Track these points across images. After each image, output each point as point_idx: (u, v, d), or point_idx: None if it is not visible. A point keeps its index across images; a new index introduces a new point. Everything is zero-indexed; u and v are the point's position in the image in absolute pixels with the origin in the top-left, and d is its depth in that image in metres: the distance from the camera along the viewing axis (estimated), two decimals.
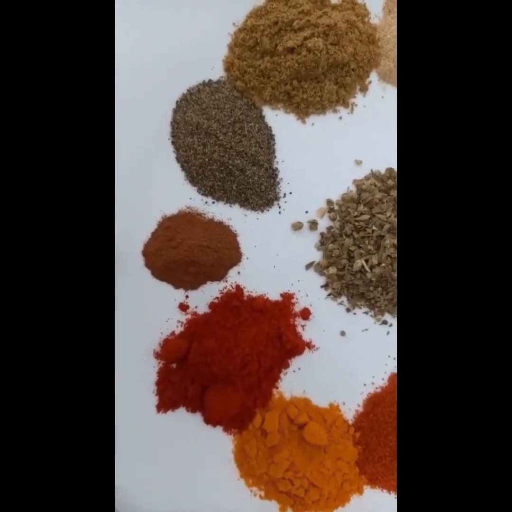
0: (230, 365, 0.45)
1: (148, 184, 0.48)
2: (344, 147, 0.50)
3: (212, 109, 0.47)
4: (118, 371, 0.44)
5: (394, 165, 0.50)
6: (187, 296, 0.47)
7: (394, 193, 0.49)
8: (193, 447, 0.46)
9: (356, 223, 0.49)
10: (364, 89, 0.51)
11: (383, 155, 0.50)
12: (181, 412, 0.46)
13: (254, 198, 0.48)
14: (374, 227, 0.48)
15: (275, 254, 0.49)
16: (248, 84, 0.48)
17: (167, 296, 0.48)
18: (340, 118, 0.51)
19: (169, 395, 0.46)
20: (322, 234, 0.50)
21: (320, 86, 0.49)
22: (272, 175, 0.49)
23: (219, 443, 0.46)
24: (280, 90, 0.48)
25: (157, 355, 0.46)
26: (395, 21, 0.51)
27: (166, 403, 0.46)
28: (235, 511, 0.46)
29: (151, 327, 0.47)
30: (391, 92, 0.51)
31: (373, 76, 0.51)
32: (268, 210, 0.49)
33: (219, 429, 0.46)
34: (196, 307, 0.47)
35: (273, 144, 0.49)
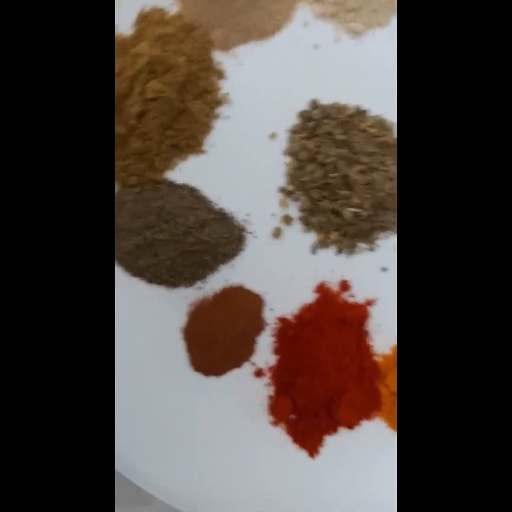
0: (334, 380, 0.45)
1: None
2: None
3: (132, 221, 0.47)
4: None
5: None
6: (253, 363, 0.47)
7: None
8: None
9: (315, 184, 0.47)
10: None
11: None
12: None
13: (226, 247, 0.47)
14: (331, 174, 0.47)
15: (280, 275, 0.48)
16: (142, 175, 0.47)
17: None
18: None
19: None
20: (301, 219, 0.49)
21: (189, 113, 0.47)
22: (224, 217, 0.47)
23: None
24: (166, 152, 0.47)
25: (274, 423, 0.46)
26: None
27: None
28: None
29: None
30: None
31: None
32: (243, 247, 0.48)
33: None
34: (266, 363, 0.47)
35: (200, 194, 0.48)
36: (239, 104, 0.49)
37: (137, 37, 0.48)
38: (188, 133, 0.47)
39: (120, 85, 0.45)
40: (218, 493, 0.46)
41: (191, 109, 0.47)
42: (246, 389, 0.47)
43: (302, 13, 0.49)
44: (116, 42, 0.49)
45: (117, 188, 0.48)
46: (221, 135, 0.49)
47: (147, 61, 0.44)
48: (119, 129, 0.46)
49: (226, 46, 0.50)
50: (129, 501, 0.49)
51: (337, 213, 0.47)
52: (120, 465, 0.45)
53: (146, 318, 0.47)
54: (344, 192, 0.46)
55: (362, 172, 0.46)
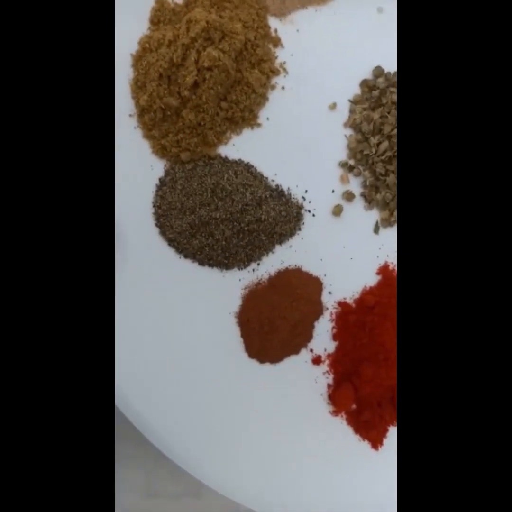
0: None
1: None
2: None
3: (188, 196, 0.44)
4: None
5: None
6: (311, 350, 0.45)
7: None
8: None
9: (381, 157, 0.44)
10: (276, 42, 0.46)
11: None
12: None
13: (283, 226, 0.44)
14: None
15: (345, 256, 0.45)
16: (195, 150, 0.45)
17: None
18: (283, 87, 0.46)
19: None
20: (363, 195, 0.45)
21: (246, 83, 0.44)
22: (281, 195, 0.45)
23: None
24: (220, 125, 0.45)
25: (334, 412, 0.44)
26: None
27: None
28: None
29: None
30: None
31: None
32: (301, 227, 0.45)
33: None
34: (325, 350, 0.45)
35: (255, 170, 0.45)
36: (296, 74, 0.46)
37: (189, 4, 0.45)
38: (243, 105, 0.44)
39: (173, 54, 0.43)
40: (272, 483, 0.44)
41: (248, 79, 0.44)
42: (303, 376, 0.44)
43: None
44: (166, 9, 0.46)
45: (166, 165, 0.46)
46: (277, 107, 0.46)
47: (203, 28, 0.41)
48: (171, 101, 0.44)
49: (282, 12, 0.47)
50: (182, 494, 0.47)
51: None
52: (175, 456, 0.43)
53: (198, 302, 0.44)
54: None
55: None
